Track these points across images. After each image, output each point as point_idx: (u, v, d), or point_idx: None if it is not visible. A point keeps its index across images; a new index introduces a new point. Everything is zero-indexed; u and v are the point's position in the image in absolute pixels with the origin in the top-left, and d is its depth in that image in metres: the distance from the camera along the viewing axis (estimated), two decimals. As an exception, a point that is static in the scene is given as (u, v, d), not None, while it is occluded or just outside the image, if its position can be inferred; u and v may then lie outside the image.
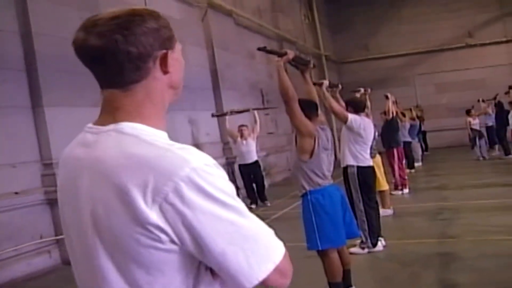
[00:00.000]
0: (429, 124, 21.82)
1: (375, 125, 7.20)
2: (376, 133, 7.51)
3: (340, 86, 7.65)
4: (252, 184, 11.96)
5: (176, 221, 1.12)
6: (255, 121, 12.14)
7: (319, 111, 4.99)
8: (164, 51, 1.27)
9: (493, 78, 23.31)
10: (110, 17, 1.23)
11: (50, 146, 7.81)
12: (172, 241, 1.14)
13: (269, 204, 11.66)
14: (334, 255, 4.76)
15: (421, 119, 19.40)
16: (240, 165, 12.02)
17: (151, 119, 1.27)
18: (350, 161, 6.56)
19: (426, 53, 25.05)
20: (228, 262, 1.14)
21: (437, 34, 24.49)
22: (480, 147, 16.79)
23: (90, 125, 1.31)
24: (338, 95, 7.46)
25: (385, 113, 11.76)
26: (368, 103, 8.59)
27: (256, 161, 11.95)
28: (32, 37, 7.77)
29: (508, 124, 16.80)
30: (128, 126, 1.23)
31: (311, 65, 5.15)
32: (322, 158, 4.69)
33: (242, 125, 11.93)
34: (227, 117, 12.12)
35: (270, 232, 1.22)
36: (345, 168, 6.62)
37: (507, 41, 24.54)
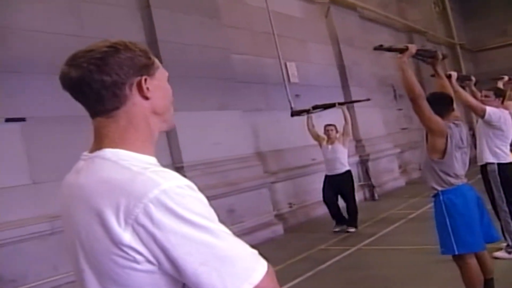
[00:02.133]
0: None
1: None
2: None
3: (473, 79, 6.96)
4: (337, 200, 9.20)
5: (149, 241, 1.14)
6: (345, 120, 9.44)
7: (454, 106, 4.51)
8: (139, 78, 1.32)
9: None
10: (87, 50, 1.30)
11: (180, 150, 7.99)
12: (149, 261, 1.16)
13: (353, 230, 8.70)
14: (472, 261, 4.26)
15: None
16: (326, 176, 9.25)
17: (134, 145, 1.31)
18: (489, 158, 5.92)
19: None
20: (203, 283, 1.14)
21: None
22: None
23: (85, 153, 1.37)
24: (474, 88, 6.82)
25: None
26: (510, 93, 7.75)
27: (347, 172, 9.19)
28: (158, 45, 7.93)
29: None
30: (109, 152, 1.28)
31: (440, 56, 4.68)
32: (455, 158, 4.25)
33: (329, 125, 9.42)
34: (311, 115, 9.59)
35: (250, 252, 1.19)
36: (484, 166, 5.98)
37: None
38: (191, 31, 8.53)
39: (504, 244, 5.89)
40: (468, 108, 6.02)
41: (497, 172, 5.87)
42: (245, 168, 8.87)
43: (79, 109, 1.37)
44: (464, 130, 4.46)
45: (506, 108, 6.50)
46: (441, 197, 4.29)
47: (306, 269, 6.52)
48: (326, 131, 9.33)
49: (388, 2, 17.32)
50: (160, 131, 1.41)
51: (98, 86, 1.27)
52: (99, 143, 1.33)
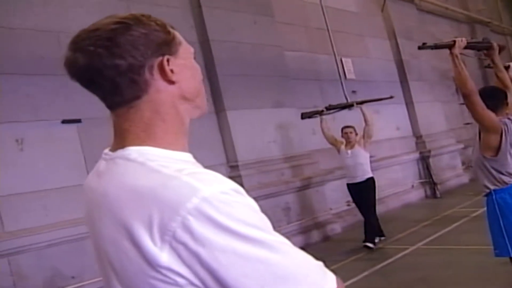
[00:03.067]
0: None
1: None
2: None
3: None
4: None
5: (192, 261, 0.94)
6: (365, 121, 8.26)
7: (509, 100, 4.32)
8: (160, 58, 1.11)
9: None
10: (91, 29, 1.10)
11: (234, 149, 8.03)
12: (193, 284, 0.96)
13: (372, 247, 7.62)
14: None
15: None
16: (348, 185, 8.26)
17: (164, 139, 1.12)
18: None
19: None
20: None
21: None
22: None
23: (106, 150, 1.18)
24: None
25: None
26: None
27: (368, 180, 8.09)
28: (210, 44, 7.97)
29: None
30: (135, 151, 1.09)
31: (496, 47, 4.46)
32: (510, 155, 4.05)
33: (347, 127, 8.31)
34: (323, 117, 8.54)
35: (315, 266, 1.01)
36: None
37: None
38: (244, 29, 8.54)
39: None
40: None
41: None
42: (301, 166, 8.80)
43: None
44: None
45: None
46: (494, 196, 4.12)
47: (362, 269, 6.43)
48: (345, 133, 8.27)
49: (449, -8, 16.84)
50: (192, 118, 1.21)
51: (111, 72, 1.07)
52: (121, 140, 1.13)
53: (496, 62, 4.50)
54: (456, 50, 4.01)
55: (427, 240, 7.58)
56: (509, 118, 4.16)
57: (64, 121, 6.06)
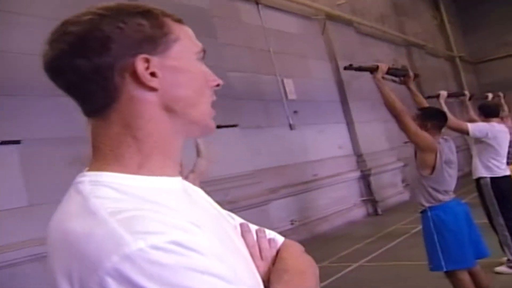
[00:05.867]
0: None
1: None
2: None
3: (467, 94, 6.97)
4: None
5: None
6: (198, 153, 6.03)
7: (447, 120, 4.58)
8: (131, 58, 0.90)
9: None
10: (63, 21, 0.92)
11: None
12: None
13: None
14: (465, 277, 4.23)
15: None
16: None
17: (132, 161, 0.91)
18: (482, 172, 5.91)
19: None
20: None
21: None
22: None
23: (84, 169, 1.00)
24: (467, 103, 6.83)
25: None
26: (506, 108, 7.78)
27: None
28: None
29: None
30: (89, 180, 0.89)
31: (412, 75, 4.76)
32: (445, 173, 4.26)
33: None
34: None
35: None
36: (477, 180, 5.97)
37: None
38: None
39: (505, 259, 5.84)
40: (450, 129, 5.90)
41: (490, 186, 5.85)
42: (245, 186, 8.83)
43: (76, 130, 1.14)
44: (453, 145, 4.47)
45: (502, 121, 6.51)
46: (429, 213, 4.28)
47: None
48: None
49: (387, 16, 17.39)
50: (189, 136, 1.00)
51: (73, 74, 0.89)
52: (91, 160, 0.95)
53: (412, 88, 4.79)
54: (378, 75, 4.22)
55: (371, 256, 7.70)
56: (443, 138, 4.34)
57: (2, 142, 5.90)
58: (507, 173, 5.99)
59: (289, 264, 1.06)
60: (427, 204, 4.28)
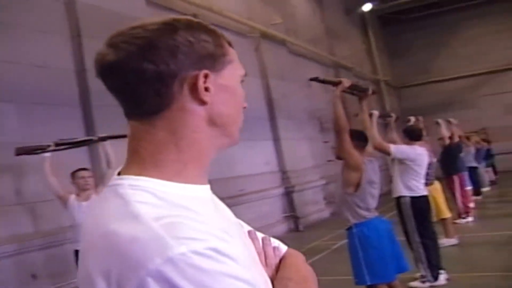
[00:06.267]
0: (499, 147, 20.94)
1: (433, 152, 6.92)
2: (434, 160, 7.19)
3: (393, 116, 7.43)
4: None
5: None
6: (108, 163, 6.45)
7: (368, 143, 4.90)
8: (196, 72, 0.95)
9: None
10: (136, 25, 0.96)
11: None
12: None
13: None
14: None
15: (488, 142, 18.67)
16: (75, 252, 5.87)
17: (171, 168, 0.95)
18: (402, 191, 6.32)
19: (490, 74, 24.26)
20: None
21: (499, 54, 23.80)
22: None
23: (116, 172, 1.03)
24: (392, 125, 7.28)
25: (442, 139, 11.26)
26: (425, 131, 8.33)
27: None
28: (85, 74, 7.86)
29: None
30: (128, 184, 0.93)
31: (370, 92, 5.03)
32: (367, 192, 4.57)
33: (82, 169, 6.33)
34: (47, 154, 6.12)
35: None
36: (398, 199, 6.38)
37: None
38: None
39: (419, 274, 6.25)
40: (374, 148, 6.22)
41: (409, 205, 6.23)
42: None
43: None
44: (377, 167, 4.80)
45: (425, 143, 7.01)
46: (354, 230, 4.55)
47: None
48: (80, 178, 6.19)
49: (319, 38, 17.92)
50: (220, 149, 1.04)
51: (135, 77, 0.92)
52: (127, 163, 0.99)
53: (363, 106, 5.04)
54: (339, 89, 4.46)
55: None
56: (367, 159, 4.68)
57: None
58: (425, 193, 6.45)
59: (293, 272, 1.08)
60: (353, 221, 4.55)
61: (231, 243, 0.86)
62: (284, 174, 13.43)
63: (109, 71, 0.95)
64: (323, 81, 4.80)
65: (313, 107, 15.98)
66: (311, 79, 4.81)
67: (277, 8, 14.93)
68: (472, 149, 14.83)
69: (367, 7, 22.52)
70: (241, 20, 12.74)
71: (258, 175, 12.09)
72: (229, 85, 1.02)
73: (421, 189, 6.37)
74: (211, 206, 1.00)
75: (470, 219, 10.89)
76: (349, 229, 4.63)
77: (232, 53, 1.05)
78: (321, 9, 18.90)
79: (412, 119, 8.80)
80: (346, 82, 4.54)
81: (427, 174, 6.59)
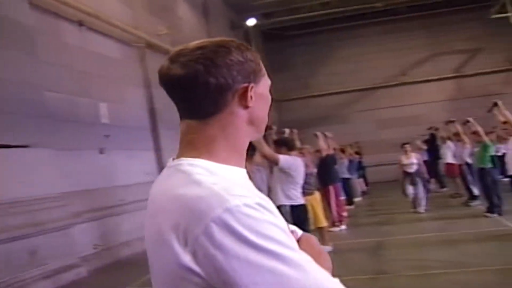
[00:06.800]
0: (370, 159, 22.23)
1: (313, 163, 7.31)
2: (314, 171, 7.59)
3: (274, 128, 7.76)
4: None
5: (209, 265, 1.03)
6: None
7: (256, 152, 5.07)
8: (245, 84, 1.22)
9: (427, 114, 24.26)
10: (196, 47, 1.21)
11: None
12: (210, 286, 1.05)
13: None
14: None
15: (360, 155, 19.77)
16: None
17: (220, 155, 1.22)
18: (282, 200, 6.61)
19: (364, 91, 25.96)
20: None
21: (374, 73, 25.56)
22: (415, 195, 13.13)
23: (170, 159, 1.29)
24: (274, 137, 7.60)
25: (319, 151, 11.83)
26: (298, 143, 8.78)
27: None
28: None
29: (440, 158, 17.14)
30: (187, 163, 1.19)
31: None
32: None
33: None
34: None
35: (328, 283, 1.07)
36: (278, 208, 6.58)
37: (438, 79, 25.89)
38: (5, 66, 8.22)
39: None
40: (264, 158, 6.47)
41: (289, 214, 6.50)
42: (50, 208, 8.68)
43: None
44: (264, 176, 4.99)
45: (300, 155, 7.36)
46: None
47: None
48: None
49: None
50: (251, 140, 1.31)
51: (201, 88, 1.18)
52: (182, 151, 1.25)
53: None
54: None
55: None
56: (256, 169, 4.86)
57: None
58: (303, 202, 6.78)
59: (309, 248, 1.23)
60: None
61: (270, 203, 1.14)
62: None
63: (176, 83, 1.20)
64: None
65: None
66: None
67: (163, 18, 14.92)
68: (346, 161, 15.66)
69: (251, 22, 22.94)
70: (127, 29, 12.63)
71: (139, 185, 11.96)
72: (263, 93, 1.29)
73: (299, 198, 6.69)
74: (249, 183, 1.26)
75: (343, 227, 11.53)
76: None
77: (263, 67, 1.30)
78: (207, 22, 19.13)
79: (287, 131, 9.21)
80: None
81: (308, 183, 6.93)
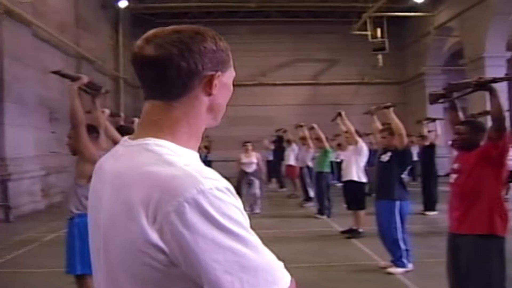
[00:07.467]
0: (219, 154, 22.57)
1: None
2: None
3: (122, 115, 7.81)
4: None
5: (174, 242, 1.09)
6: None
7: (101, 137, 5.09)
8: (213, 72, 1.27)
9: (281, 116, 25.13)
10: (174, 30, 1.26)
11: None
12: (171, 262, 1.11)
13: None
14: (91, 282, 4.80)
15: (208, 149, 20.11)
16: None
17: (181, 138, 1.26)
18: None
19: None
20: None
21: (236, 70, 25.66)
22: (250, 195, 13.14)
23: (126, 138, 1.33)
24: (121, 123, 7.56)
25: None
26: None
27: None
28: None
29: (283, 159, 18.07)
30: (154, 143, 1.22)
31: (103, 91, 5.16)
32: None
33: None
34: None
35: (276, 265, 1.16)
36: None
37: (295, 84, 27.32)
38: None
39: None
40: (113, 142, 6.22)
41: None
42: None
43: None
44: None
45: None
46: (76, 220, 4.67)
47: None
48: None
49: (67, 25, 17.39)
50: (207, 127, 1.36)
51: (172, 71, 1.22)
52: (145, 131, 1.27)
53: (96, 104, 5.07)
54: (76, 84, 4.58)
55: (-2, 264, 7.59)
56: (103, 154, 4.88)
57: None
58: None
59: None
60: (76, 211, 4.67)
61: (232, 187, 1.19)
62: (2, 161, 12.67)
63: (149, 63, 1.23)
64: (63, 75, 4.81)
65: (45, 95, 15.38)
66: (53, 72, 4.81)
67: (28, -13, 14.08)
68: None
69: (123, 3, 22.20)
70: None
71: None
72: (227, 84, 1.34)
73: None
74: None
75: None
76: (71, 219, 4.74)
77: (231, 59, 1.37)
78: (76, -3, 18.38)
79: (136, 120, 9.18)
80: (85, 79, 4.68)
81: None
